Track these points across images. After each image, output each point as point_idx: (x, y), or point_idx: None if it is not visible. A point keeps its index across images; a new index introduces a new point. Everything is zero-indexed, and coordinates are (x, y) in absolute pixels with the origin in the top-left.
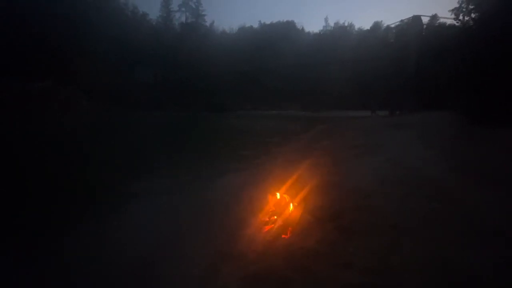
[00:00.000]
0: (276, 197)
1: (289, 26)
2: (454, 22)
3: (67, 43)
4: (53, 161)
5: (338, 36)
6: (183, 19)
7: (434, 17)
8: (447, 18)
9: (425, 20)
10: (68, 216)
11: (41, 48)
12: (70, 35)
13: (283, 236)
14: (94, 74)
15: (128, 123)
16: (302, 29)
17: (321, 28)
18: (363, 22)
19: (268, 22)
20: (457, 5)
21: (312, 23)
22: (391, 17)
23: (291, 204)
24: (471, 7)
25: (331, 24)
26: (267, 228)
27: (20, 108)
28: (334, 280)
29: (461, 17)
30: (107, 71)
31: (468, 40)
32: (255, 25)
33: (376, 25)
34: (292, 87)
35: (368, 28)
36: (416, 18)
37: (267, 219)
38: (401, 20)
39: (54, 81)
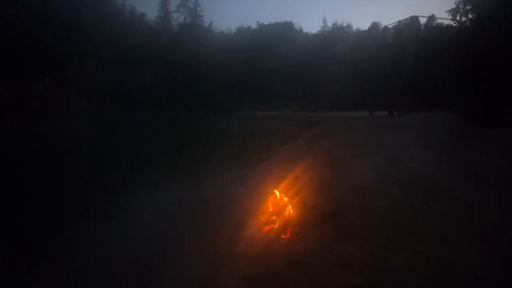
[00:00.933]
0: (276, 197)
1: (287, 26)
2: (452, 22)
3: (65, 44)
4: (51, 162)
5: (336, 37)
6: (181, 19)
7: (431, 18)
8: (444, 18)
9: (422, 20)
10: (68, 217)
11: (39, 48)
12: (68, 36)
13: (282, 236)
14: (92, 75)
15: (126, 124)
16: (300, 29)
17: (319, 28)
18: (361, 22)
19: (266, 22)
20: (454, 6)
21: (310, 24)
22: (389, 18)
23: (290, 204)
24: (468, 7)
25: (329, 24)
26: (266, 228)
27: (18, 109)
28: (334, 280)
29: (458, 18)
30: (105, 71)
31: (465, 40)
32: (253, 25)
33: (374, 26)
34: (290, 88)
35: (366, 28)
36: (414, 19)
37: (267, 219)
38: (399, 21)
39: (51, 81)
